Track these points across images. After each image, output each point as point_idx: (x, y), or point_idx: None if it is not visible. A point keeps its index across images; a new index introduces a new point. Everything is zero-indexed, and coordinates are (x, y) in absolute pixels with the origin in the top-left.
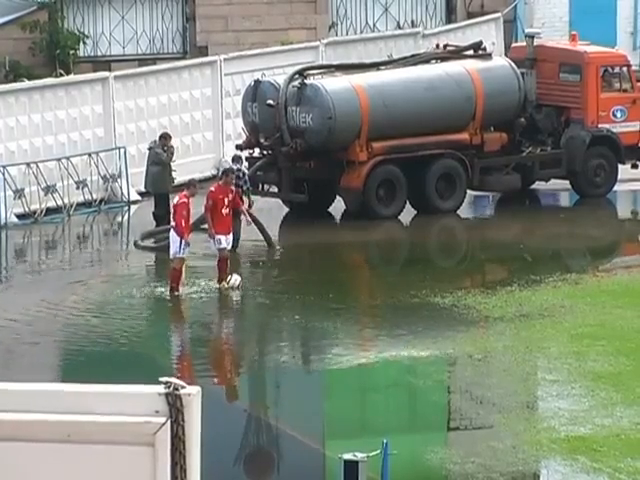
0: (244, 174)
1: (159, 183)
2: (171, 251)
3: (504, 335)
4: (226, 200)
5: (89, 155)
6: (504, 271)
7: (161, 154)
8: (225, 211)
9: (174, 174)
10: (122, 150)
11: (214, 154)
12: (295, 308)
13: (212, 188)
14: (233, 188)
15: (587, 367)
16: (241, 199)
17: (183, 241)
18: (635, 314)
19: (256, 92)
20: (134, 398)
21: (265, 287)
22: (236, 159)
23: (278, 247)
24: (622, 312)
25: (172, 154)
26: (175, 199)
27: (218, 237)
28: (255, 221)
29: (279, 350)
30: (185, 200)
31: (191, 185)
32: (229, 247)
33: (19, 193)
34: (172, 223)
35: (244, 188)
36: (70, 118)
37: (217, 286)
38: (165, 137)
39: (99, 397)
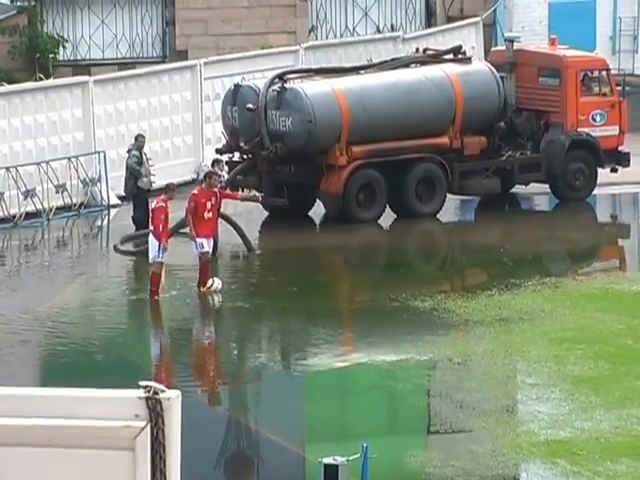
0: (220, 177)
1: (125, 187)
2: (150, 255)
3: (484, 339)
4: (209, 204)
5: (69, 159)
6: (484, 275)
7: (130, 156)
8: (207, 215)
9: (152, 178)
10: (102, 154)
11: (194, 158)
12: (275, 312)
13: (195, 191)
14: (217, 191)
15: (566, 371)
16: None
17: (161, 245)
18: (614, 318)
19: (236, 96)
20: (113, 402)
21: (245, 291)
22: (216, 163)
23: (258, 251)
24: (601, 316)
25: (137, 157)
26: (153, 203)
27: (200, 240)
28: (235, 226)
29: (259, 354)
30: (163, 204)
31: (169, 189)
32: (211, 251)
33: None
34: (150, 227)
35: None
36: (50, 122)
37: (199, 290)
38: (139, 138)
39: (78, 401)
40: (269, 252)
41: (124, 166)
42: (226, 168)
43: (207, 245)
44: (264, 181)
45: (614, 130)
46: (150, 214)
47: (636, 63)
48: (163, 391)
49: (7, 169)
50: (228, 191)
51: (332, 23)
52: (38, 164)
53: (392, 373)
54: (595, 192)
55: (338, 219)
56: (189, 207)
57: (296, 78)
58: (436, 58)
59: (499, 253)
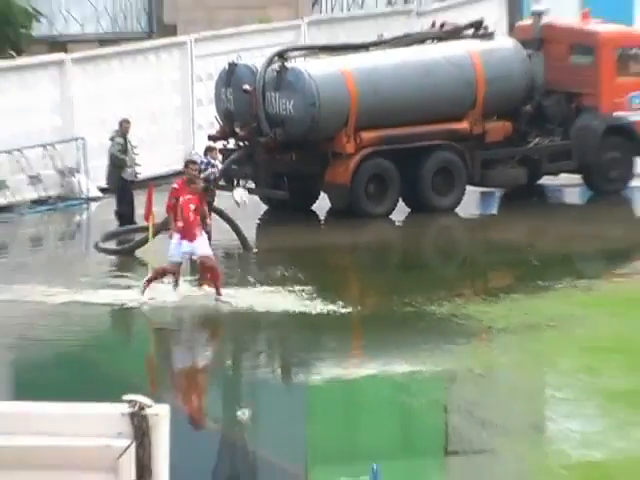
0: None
1: (108, 179)
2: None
3: (508, 348)
4: (192, 205)
5: (44, 147)
6: (509, 277)
7: (113, 144)
8: (190, 214)
9: (138, 168)
10: (81, 141)
11: (184, 145)
12: (276, 318)
13: (175, 184)
14: (200, 190)
15: (601, 384)
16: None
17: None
18: None
19: (231, 76)
20: (93, 419)
21: (242, 293)
22: (209, 151)
23: (255, 250)
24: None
25: (121, 145)
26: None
27: (178, 241)
28: (229, 221)
29: (257, 364)
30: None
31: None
32: (183, 258)
33: None
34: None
35: (211, 186)
36: (23, 105)
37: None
38: (124, 123)
39: (53, 418)
40: (268, 251)
41: (106, 155)
42: (220, 157)
43: (178, 255)
44: (262, 171)
45: None
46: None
47: None
48: (150, 406)
49: None
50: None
51: None
52: (9, 152)
53: (406, 386)
54: (633, 183)
55: (345, 214)
56: (169, 203)
57: (298, 56)
58: (455, 34)
59: (526, 252)
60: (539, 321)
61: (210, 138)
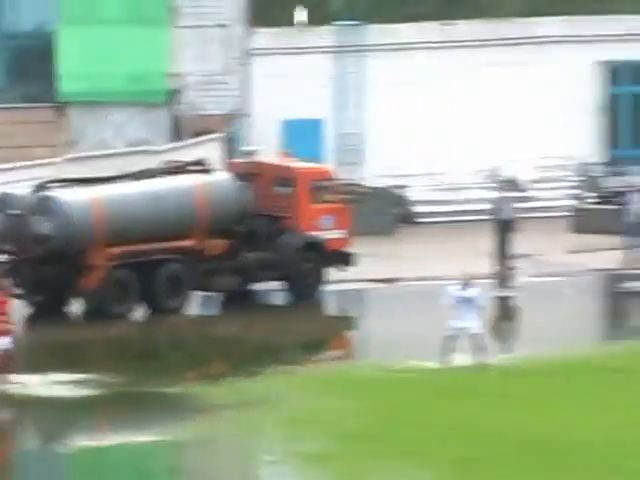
0: None
1: None
2: None
3: (228, 421)
4: None
5: None
6: (227, 363)
7: None
8: None
9: None
10: None
11: None
12: (17, 399)
13: None
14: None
15: (299, 449)
16: None
17: None
18: (343, 401)
19: (3, 203)
20: None
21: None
22: None
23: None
24: (332, 399)
25: None
26: None
27: None
28: None
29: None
30: None
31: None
32: None
33: None
34: None
35: None
36: None
37: None
38: None
39: None
40: (28, 345)
41: None
42: None
43: None
44: (27, 280)
45: (341, 233)
46: None
47: (360, 174)
48: None
49: None
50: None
51: (90, 137)
52: None
53: (140, 453)
54: (326, 288)
55: (95, 314)
56: None
57: (57, 187)
58: (182, 169)
59: (240, 343)
60: (251, 399)
61: None
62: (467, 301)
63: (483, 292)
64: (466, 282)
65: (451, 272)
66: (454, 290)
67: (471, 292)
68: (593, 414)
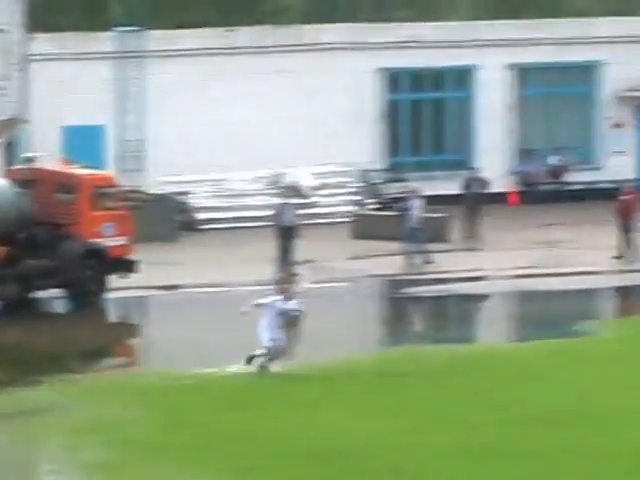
0: None
1: None
2: None
3: (6, 431)
4: None
5: None
6: (6, 372)
7: None
8: None
9: None
10: None
11: None
12: None
13: None
14: None
15: (81, 458)
16: None
17: None
18: (127, 408)
19: None
20: None
21: None
22: None
23: None
24: (116, 407)
25: None
26: None
27: None
28: None
29: None
30: None
31: None
32: None
33: None
34: None
35: None
36: None
37: None
38: None
39: None
40: None
41: None
42: None
43: None
44: None
45: (123, 240)
46: None
47: (142, 180)
48: None
49: None
50: None
51: None
52: None
53: None
54: (108, 296)
55: None
56: None
57: None
58: None
59: (23, 351)
60: (32, 408)
61: None
62: (282, 313)
63: (298, 303)
64: (286, 294)
65: (234, 279)
66: (279, 303)
67: (290, 304)
68: (371, 419)
